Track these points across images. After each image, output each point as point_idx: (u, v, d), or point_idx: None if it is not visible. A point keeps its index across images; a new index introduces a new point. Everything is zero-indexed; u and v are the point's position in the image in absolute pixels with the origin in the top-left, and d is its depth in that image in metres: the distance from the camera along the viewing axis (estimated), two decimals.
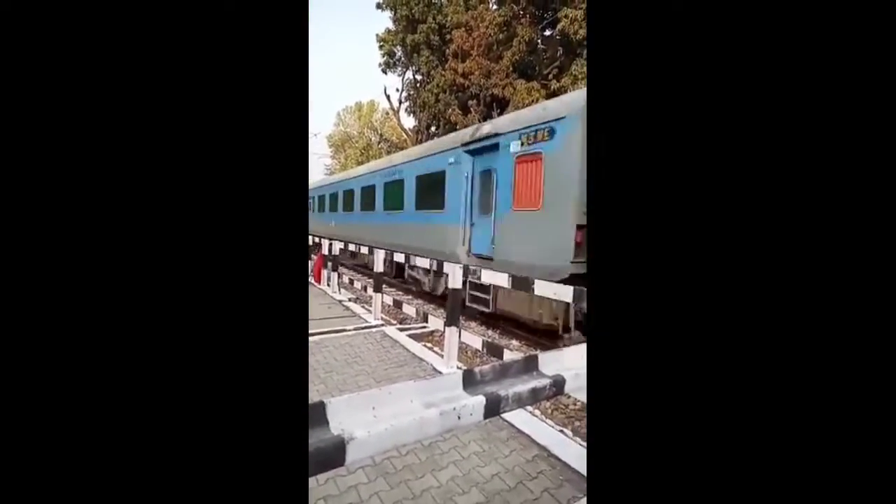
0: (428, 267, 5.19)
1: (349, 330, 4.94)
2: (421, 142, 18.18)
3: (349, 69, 77.31)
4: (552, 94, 12.99)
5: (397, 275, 9.16)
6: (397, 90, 23.15)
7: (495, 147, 5.82)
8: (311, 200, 16.82)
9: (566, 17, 13.32)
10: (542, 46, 16.42)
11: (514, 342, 5.58)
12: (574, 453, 2.35)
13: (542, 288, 3.33)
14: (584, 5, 12.89)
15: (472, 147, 6.33)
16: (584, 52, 13.55)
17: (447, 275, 4.23)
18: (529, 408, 2.85)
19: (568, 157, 4.66)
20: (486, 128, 6.26)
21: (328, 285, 7.98)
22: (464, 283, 6.01)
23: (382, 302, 5.83)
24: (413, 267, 8.04)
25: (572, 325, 4.75)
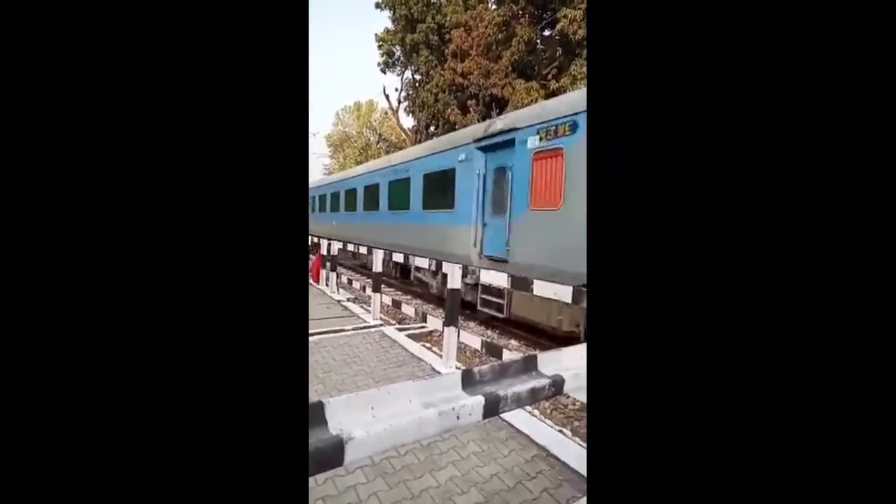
0: (435, 269, 4.94)
1: (348, 330, 4.94)
2: (420, 141, 18.14)
3: (348, 69, 77.29)
4: (551, 94, 12.99)
5: (403, 276, 8.86)
6: (396, 90, 23.17)
7: (510, 143, 5.46)
8: (310, 200, 16.71)
9: (565, 17, 13.34)
10: (541, 46, 16.43)
11: (514, 342, 5.58)
12: (573, 453, 2.35)
13: (541, 288, 3.29)
14: (583, 5, 12.91)
15: (484, 143, 5.95)
16: (584, 52, 13.56)
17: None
18: (528, 408, 2.85)
19: None
20: (501, 123, 5.86)
21: (326, 285, 7.97)
22: (475, 286, 5.78)
23: (381, 302, 5.82)
24: (419, 269, 7.68)
25: None
